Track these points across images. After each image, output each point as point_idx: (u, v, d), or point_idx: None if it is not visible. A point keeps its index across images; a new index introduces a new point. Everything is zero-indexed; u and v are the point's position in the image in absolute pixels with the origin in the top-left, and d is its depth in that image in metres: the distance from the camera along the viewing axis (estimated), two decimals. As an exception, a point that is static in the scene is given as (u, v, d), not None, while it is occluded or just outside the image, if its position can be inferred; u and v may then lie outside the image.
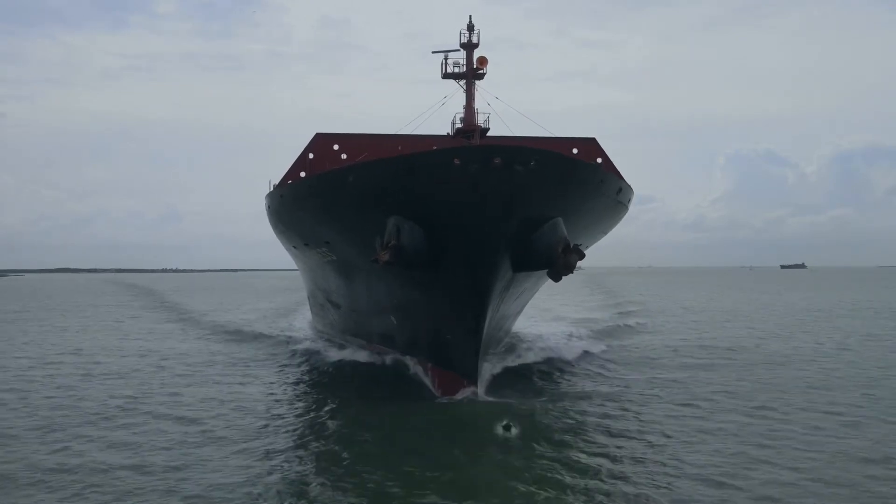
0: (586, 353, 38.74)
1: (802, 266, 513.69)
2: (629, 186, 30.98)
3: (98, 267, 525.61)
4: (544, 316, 60.11)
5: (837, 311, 73.49)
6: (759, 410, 24.02)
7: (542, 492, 15.92)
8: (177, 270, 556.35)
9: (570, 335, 46.93)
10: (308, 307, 53.91)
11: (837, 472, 17.39)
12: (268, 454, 19.01)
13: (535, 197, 23.28)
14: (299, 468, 17.97)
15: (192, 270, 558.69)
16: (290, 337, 47.69)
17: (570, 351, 38.76)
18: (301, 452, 19.38)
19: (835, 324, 57.25)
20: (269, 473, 17.41)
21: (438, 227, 23.77)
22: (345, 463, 18.26)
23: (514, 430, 20.58)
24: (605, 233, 35.32)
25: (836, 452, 18.97)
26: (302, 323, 56.26)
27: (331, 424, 22.59)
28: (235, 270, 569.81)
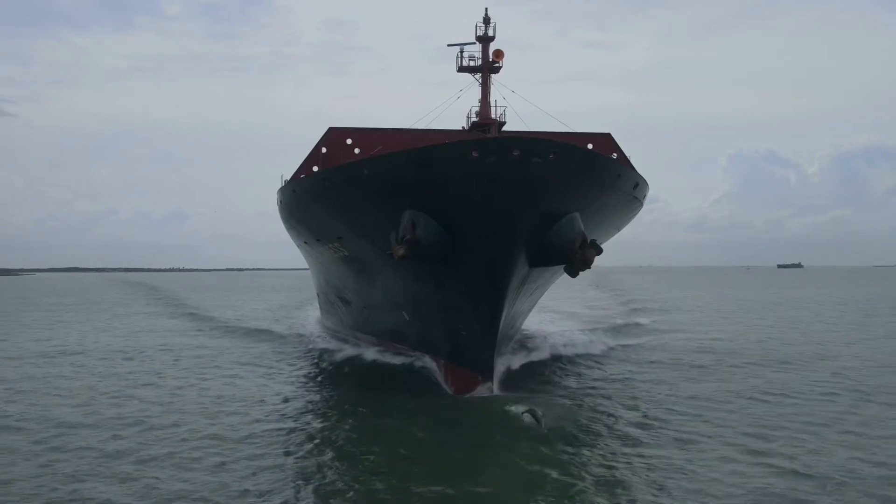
0: (597, 349, 38.67)
1: (799, 266, 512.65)
2: (645, 182, 30.62)
3: (107, 266, 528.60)
4: (550, 312, 60.13)
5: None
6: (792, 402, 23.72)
7: (553, 489, 15.71)
8: (183, 270, 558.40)
9: (580, 332, 46.74)
10: (317, 304, 53.74)
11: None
12: (278, 451, 18.79)
13: (553, 190, 22.97)
14: (310, 465, 17.69)
15: (198, 270, 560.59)
16: (299, 333, 47.62)
17: (581, 347, 38.67)
18: (311, 450, 19.09)
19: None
20: (280, 470, 17.17)
21: (455, 220, 23.47)
22: (356, 460, 17.99)
23: (536, 417, 20.23)
24: (619, 229, 34.98)
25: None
26: (311, 319, 56.20)
27: (341, 422, 22.31)
28: (241, 270, 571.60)
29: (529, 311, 37.82)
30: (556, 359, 34.67)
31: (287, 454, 18.50)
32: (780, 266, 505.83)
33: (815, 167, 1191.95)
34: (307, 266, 50.77)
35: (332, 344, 39.99)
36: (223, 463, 17.62)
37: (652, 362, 34.43)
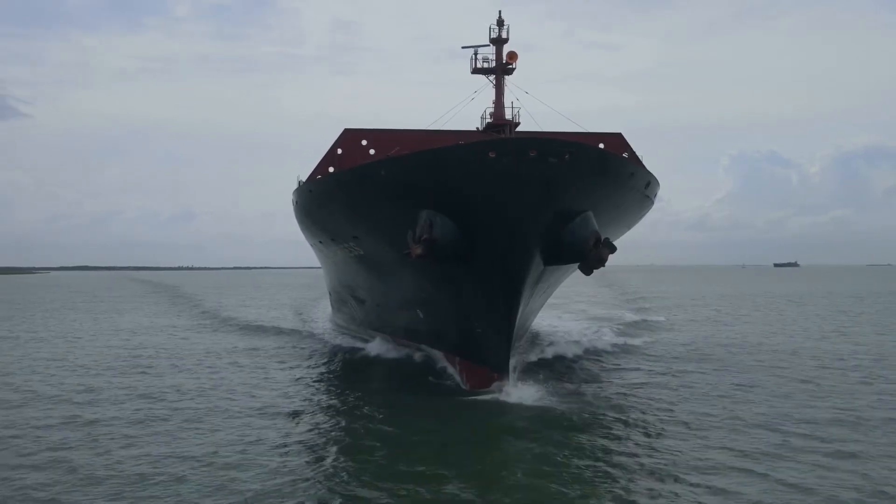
0: (607, 346, 39.25)
1: (795, 265, 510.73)
2: (656, 180, 30.98)
3: (115, 265, 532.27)
4: (558, 309, 60.85)
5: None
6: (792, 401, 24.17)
7: (567, 487, 15.85)
8: (191, 268, 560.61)
9: (588, 329, 47.30)
10: (329, 302, 54.29)
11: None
12: (293, 447, 19.10)
13: (569, 190, 23.33)
14: (324, 462, 17.88)
15: (205, 268, 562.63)
16: (311, 331, 48.16)
17: (591, 344, 39.22)
18: (326, 447, 19.32)
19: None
20: (294, 467, 17.40)
21: (472, 220, 23.84)
22: (369, 458, 18.19)
23: None
24: (630, 227, 35.36)
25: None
26: (324, 317, 56.80)
27: (355, 419, 22.60)
28: (248, 268, 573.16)
29: (541, 308, 38.29)
30: (566, 355, 35.10)
31: (301, 453, 18.66)
32: (776, 265, 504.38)
33: (816, 167, 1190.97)
34: (318, 265, 51.37)
35: (345, 341, 40.48)
36: (223, 458, 17.89)
37: (656, 357, 35.11)
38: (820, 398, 24.84)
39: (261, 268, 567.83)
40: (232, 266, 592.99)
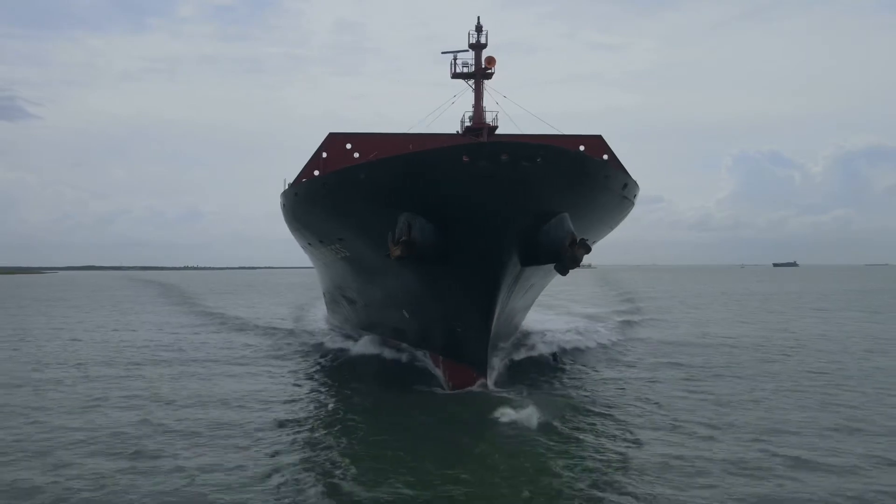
0: (597, 344, 39.77)
1: (794, 265, 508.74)
2: (635, 182, 31.45)
3: (122, 265, 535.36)
4: (552, 308, 61.43)
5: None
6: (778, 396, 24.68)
7: (544, 484, 16.15)
8: (196, 268, 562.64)
9: (578, 328, 47.78)
10: (324, 303, 54.92)
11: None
12: (281, 443, 19.57)
13: (542, 192, 23.80)
14: (310, 459, 18.30)
15: (211, 268, 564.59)
16: (305, 330, 48.74)
17: (581, 343, 39.76)
18: (313, 444, 19.77)
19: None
20: (282, 462, 17.81)
21: (448, 222, 24.38)
22: (351, 457, 18.49)
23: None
24: (612, 228, 35.83)
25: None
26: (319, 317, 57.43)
27: (343, 416, 23.18)
28: (253, 268, 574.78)
29: (527, 308, 38.79)
30: (551, 353, 35.53)
31: (287, 451, 18.99)
32: (775, 265, 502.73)
33: (819, 167, 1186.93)
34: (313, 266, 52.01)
35: (337, 341, 41.01)
36: (213, 455, 18.34)
37: (642, 355, 35.83)
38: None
39: (265, 267, 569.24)
40: (237, 266, 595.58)
